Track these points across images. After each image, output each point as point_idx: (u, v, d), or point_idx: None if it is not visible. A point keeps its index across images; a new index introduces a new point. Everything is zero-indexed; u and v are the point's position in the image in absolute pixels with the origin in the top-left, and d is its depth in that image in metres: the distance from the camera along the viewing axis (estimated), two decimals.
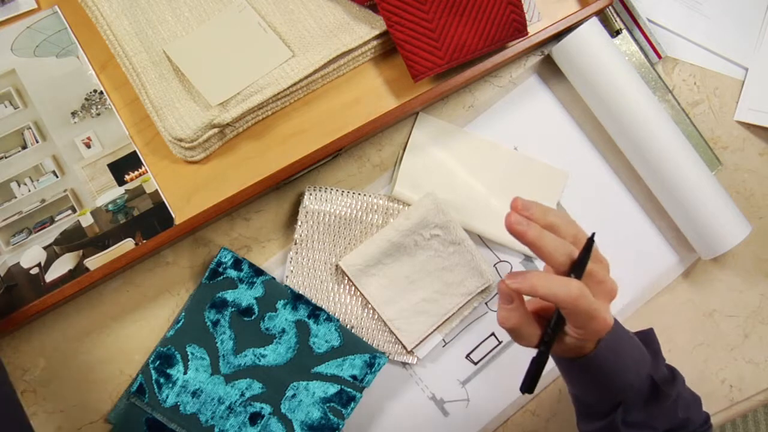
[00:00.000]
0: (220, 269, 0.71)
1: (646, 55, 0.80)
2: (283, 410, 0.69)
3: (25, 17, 0.72)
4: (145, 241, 0.69)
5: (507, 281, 0.50)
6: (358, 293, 0.74)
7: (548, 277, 0.49)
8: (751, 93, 0.82)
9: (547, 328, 0.53)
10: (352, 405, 0.71)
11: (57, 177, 0.71)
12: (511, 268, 0.77)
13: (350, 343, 0.71)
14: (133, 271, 0.72)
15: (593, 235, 0.52)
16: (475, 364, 0.75)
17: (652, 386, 0.58)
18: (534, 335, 0.53)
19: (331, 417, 0.70)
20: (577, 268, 0.50)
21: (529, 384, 0.53)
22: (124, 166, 0.72)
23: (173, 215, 0.71)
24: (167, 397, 0.68)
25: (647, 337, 0.63)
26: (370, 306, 0.74)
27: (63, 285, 0.66)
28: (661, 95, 0.80)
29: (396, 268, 0.73)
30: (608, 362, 0.55)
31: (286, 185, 0.75)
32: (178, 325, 0.70)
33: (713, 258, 0.77)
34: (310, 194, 0.73)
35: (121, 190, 0.71)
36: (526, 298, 0.54)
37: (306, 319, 0.71)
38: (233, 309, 0.70)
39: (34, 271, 0.69)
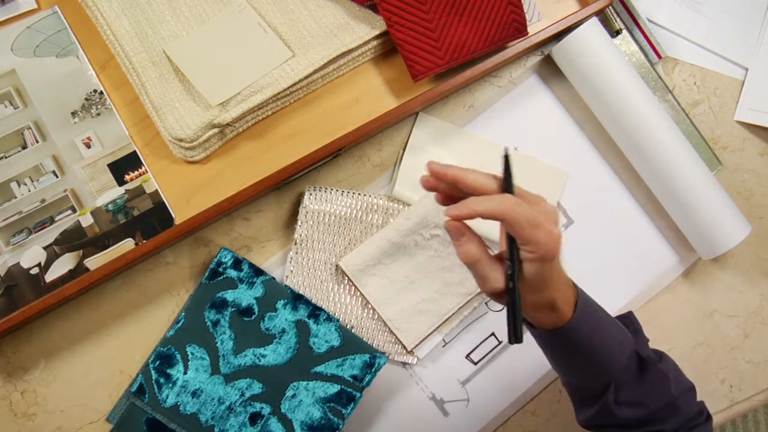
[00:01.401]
0: (220, 269, 0.71)
1: (646, 55, 0.80)
2: (283, 410, 0.69)
3: (25, 17, 0.72)
4: (145, 241, 0.69)
5: (448, 213, 0.50)
6: (358, 293, 0.74)
7: (482, 197, 0.50)
8: (751, 93, 0.82)
9: (506, 261, 0.52)
10: (352, 405, 0.71)
11: (57, 177, 0.71)
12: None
13: (350, 343, 0.71)
14: (133, 271, 0.72)
15: (506, 150, 0.54)
16: (475, 364, 0.75)
17: (639, 362, 0.59)
18: (498, 275, 0.52)
19: (331, 417, 0.70)
20: (506, 186, 0.52)
21: (514, 332, 0.51)
22: (124, 166, 0.72)
23: (173, 215, 0.71)
24: (167, 397, 0.68)
25: (627, 319, 0.64)
26: (370, 306, 0.74)
27: (63, 285, 0.66)
28: (661, 95, 0.80)
29: (396, 268, 0.73)
30: (587, 332, 0.56)
31: (286, 185, 0.75)
32: (178, 325, 0.70)
33: (713, 258, 0.77)
34: (310, 194, 0.73)
35: (121, 190, 0.71)
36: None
37: (306, 319, 0.71)
38: (233, 309, 0.70)
39: (34, 271, 0.69)
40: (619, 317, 0.65)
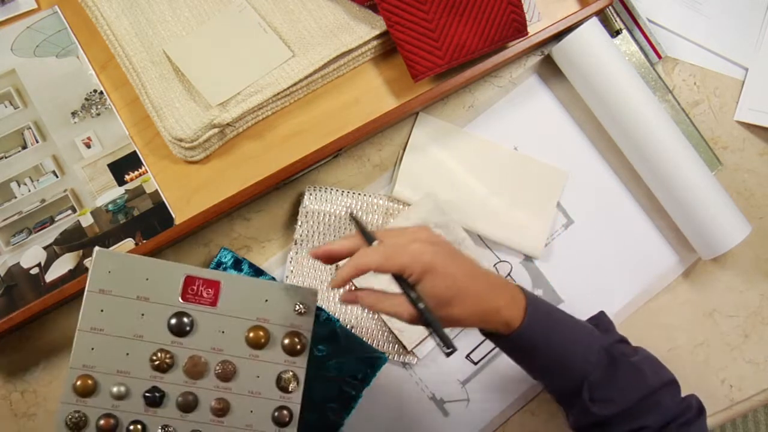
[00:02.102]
0: (220, 269, 0.71)
1: (646, 55, 0.80)
2: None
3: (25, 17, 0.72)
4: (145, 241, 0.69)
5: (341, 298, 0.57)
6: None
7: (343, 268, 0.55)
8: (751, 93, 0.82)
9: (407, 293, 0.55)
10: (353, 405, 0.71)
11: (57, 177, 0.71)
12: (511, 268, 0.77)
13: (350, 343, 0.71)
14: None
15: (351, 212, 0.63)
16: (475, 364, 0.75)
17: (609, 358, 0.60)
18: (404, 305, 0.55)
19: (331, 417, 0.70)
20: (366, 238, 0.57)
21: (444, 343, 0.54)
22: (124, 166, 0.72)
23: (173, 215, 0.71)
24: None
25: (597, 318, 0.67)
26: None
27: (63, 285, 0.66)
28: (661, 95, 0.80)
29: None
30: (543, 332, 0.58)
31: (286, 185, 0.75)
32: None
33: (713, 258, 0.77)
34: (310, 194, 0.73)
35: (121, 190, 0.71)
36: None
37: None
38: None
39: (34, 271, 0.69)
40: (590, 318, 0.67)
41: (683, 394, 0.64)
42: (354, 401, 0.71)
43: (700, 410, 0.63)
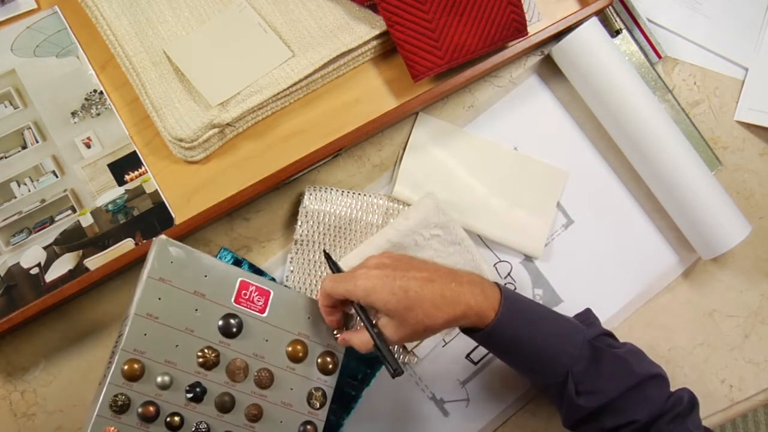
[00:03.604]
0: None
1: (646, 55, 0.80)
2: None
3: (25, 17, 0.72)
4: (145, 241, 0.69)
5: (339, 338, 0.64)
6: None
7: (320, 299, 0.62)
8: (751, 93, 0.82)
9: (361, 318, 0.60)
10: (353, 405, 0.71)
11: (57, 177, 0.71)
12: (511, 268, 0.77)
13: None
14: (133, 271, 0.72)
15: (324, 250, 0.67)
16: (475, 364, 0.75)
17: (593, 350, 0.61)
18: (365, 336, 0.60)
19: (332, 417, 0.70)
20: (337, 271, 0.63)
21: (392, 367, 0.58)
22: (124, 166, 0.72)
23: (173, 215, 0.71)
24: None
25: (582, 315, 0.67)
26: None
27: (63, 285, 0.66)
28: (661, 95, 0.80)
29: None
30: (519, 326, 0.59)
31: (286, 185, 0.75)
32: None
33: (713, 258, 0.77)
34: (310, 194, 0.73)
35: (121, 190, 0.71)
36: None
37: None
38: None
39: (34, 271, 0.69)
40: (576, 315, 0.67)
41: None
42: (354, 401, 0.71)
43: (693, 403, 0.63)
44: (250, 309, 0.63)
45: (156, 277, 0.60)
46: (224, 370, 0.61)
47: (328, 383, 0.65)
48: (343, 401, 0.70)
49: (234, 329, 0.62)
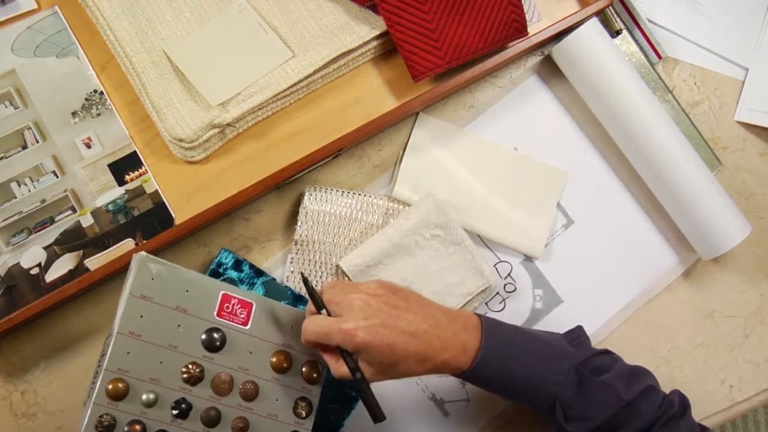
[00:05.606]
0: (221, 270, 0.71)
1: (646, 56, 0.80)
2: None
3: (25, 17, 0.72)
4: (145, 241, 0.69)
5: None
6: None
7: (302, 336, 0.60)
8: (751, 93, 0.82)
9: (345, 362, 0.58)
10: (353, 406, 0.71)
11: (57, 177, 0.71)
12: (511, 268, 0.77)
13: None
14: None
15: (302, 275, 0.63)
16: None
17: (579, 376, 0.61)
18: (345, 368, 0.59)
19: (332, 418, 0.70)
20: (315, 304, 0.60)
21: (374, 413, 0.58)
22: (124, 167, 0.72)
23: (173, 215, 0.71)
24: None
25: (572, 333, 0.67)
26: None
27: (63, 285, 0.66)
28: (661, 95, 0.80)
29: (396, 268, 0.73)
30: (502, 362, 0.60)
31: (286, 185, 0.75)
32: None
33: (713, 258, 0.77)
34: (310, 194, 0.73)
35: (122, 190, 0.71)
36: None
37: None
38: None
39: (35, 271, 0.69)
40: (567, 332, 0.67)
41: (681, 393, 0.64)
42: (354, 402, 0.71)
43: (684, 406, 0.63)
44: (233, 322, 0.62)
45: (137, 294, 0.59)
46: (209, 384, 0.61)
47: (313, 392, 0.65)
48: (343, 401, 0.70)
49: (217, 343, 0.61)
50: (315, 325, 0.58)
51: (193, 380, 0.60)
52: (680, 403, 0.62)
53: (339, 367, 0.58)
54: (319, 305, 0.59)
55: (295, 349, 0.64)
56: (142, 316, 0.59)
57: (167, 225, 0.71)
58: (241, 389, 0.62)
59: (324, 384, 0.70)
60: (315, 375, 0.64)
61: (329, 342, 0.57)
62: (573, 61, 0.75)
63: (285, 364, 0.63)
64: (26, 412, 0.70)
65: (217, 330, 0.61)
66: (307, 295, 0.62)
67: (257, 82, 0.71)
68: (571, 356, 0.62)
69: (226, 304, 0.62)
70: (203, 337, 0.61)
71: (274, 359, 0.63)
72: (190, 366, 0.60)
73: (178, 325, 0.61)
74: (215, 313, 0.62)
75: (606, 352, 0.66)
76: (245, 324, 0.63)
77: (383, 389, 0.73)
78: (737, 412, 0.79)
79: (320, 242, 0.73)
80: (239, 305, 0.63)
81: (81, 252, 0.70)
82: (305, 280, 0.61)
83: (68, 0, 0.73)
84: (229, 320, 0.62)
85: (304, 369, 0.64)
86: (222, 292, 0.63)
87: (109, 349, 0.58)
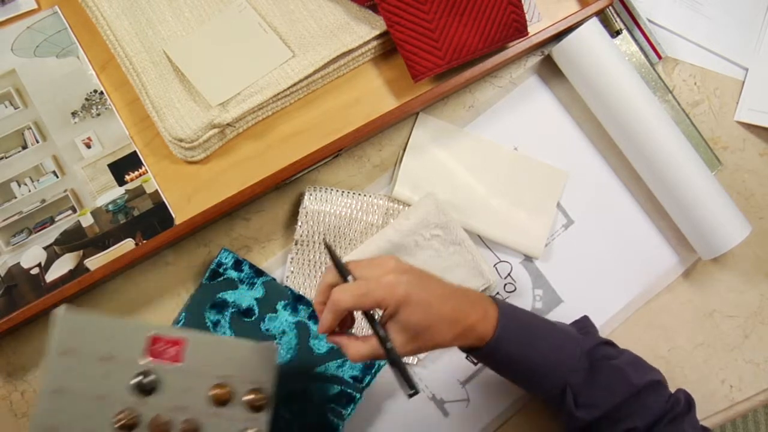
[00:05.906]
0: (221, 270, 0.71)
1: (646, 56, 0.80)
2: (282, 411, 0.69)
3: (25, 17, 0.72)
4: (145, 241, 0.69)
5: (328, 339, 0.59)
6: None
7: (323, 315, 0.57)
8: (751, 93, 0.82)
9: (375, 331, 0.56)
10: (353, 406, 0.71)
11: (57, 177, 0.71)
12: (511, 268, 0.77)
13: None
14: (133, 271, 0.72)
15: (325, 240, 0.62)
16: (475, 364, 0.75)
17: (590, 361, 0.61)
18: (369, 345, 0.56)
19: (332, 418, 0.70)
20: (339, 272, 0.57)
21: (410, 383, 0.55)
22: (124, 167, 0.72)
23: (173, 215, 0.71)
24: None
25: (579, 322, 0.67)
26: None
27: (63, 285, 0.66)
28: (661, 95, 0.80)
29: None
30: (517, 342, 0.59)
31: (286, 185, 0.75)
32: (179, 325, 0.70)
33: (713, 258, 0.77)
34: (310, 194, 0.73)
35: (122, 190, 0.71)
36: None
37: (306, 321, 0.71)
38: (233, 310, 0.70)
39: (35, 271, 0.69)
40: (574, 322, 0.68)
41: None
42: (354, 402, 0.71)
43: (690, 404, 0.63)
44: (164, 362, 0.60)
45: (61, 350, 0.58)
46: (146, 429, 0.59)
47: (260, 420, 0.61)
48: (343, 402, 0.70)
49: (150, 386, 0.59)
50: (349, 289, 0.55)
51: (128, 427, 0.58)
52: (686, 402, 0.63)
53: (359, 348, 0.56)
54: (345, 273, 0.57)
55: (236, 378, 0.62)
56: (67, 371, 0.58)
57: (167, 225, 0.71)
58: (181, 429, 0.59)
59: (325, 382, 0.71)
60: (260, 402, 0.61)
61: (367, 301, 0.54)
62: (573, 61, 0.75)
63: (226, 396, 0.61)
64: (26, 412, 0.70)
65: (147, 373, 0.59)
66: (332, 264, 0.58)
67: (257, 82, 0.71)
68: (581, 342, 0.62)
69: (156, 345, 0.60)
70: (132, 382, 0.59)
71: (212, 393, 0.61)
72: (120, 415, 0.58)
73: (106, 374, 0.59)
74: (145, 355, 0.60)
75: (611, 343, 0.66)
76: (179, 361, 0.61)
77: (383, 389, 0.73)
78: (737, 412, 0.79)
79: (320, 242, 0.73)
80: (170, 345, 0.61)
81: (81, 252, 0.70)
82: (329, 248, 0.59)
83: (68, 0, 0.73)
84: (160, 360, 0.60)
85: (246, 398, 0.61)
86: (150, 335, 0.60)
87: (36, 410, 0.56)
